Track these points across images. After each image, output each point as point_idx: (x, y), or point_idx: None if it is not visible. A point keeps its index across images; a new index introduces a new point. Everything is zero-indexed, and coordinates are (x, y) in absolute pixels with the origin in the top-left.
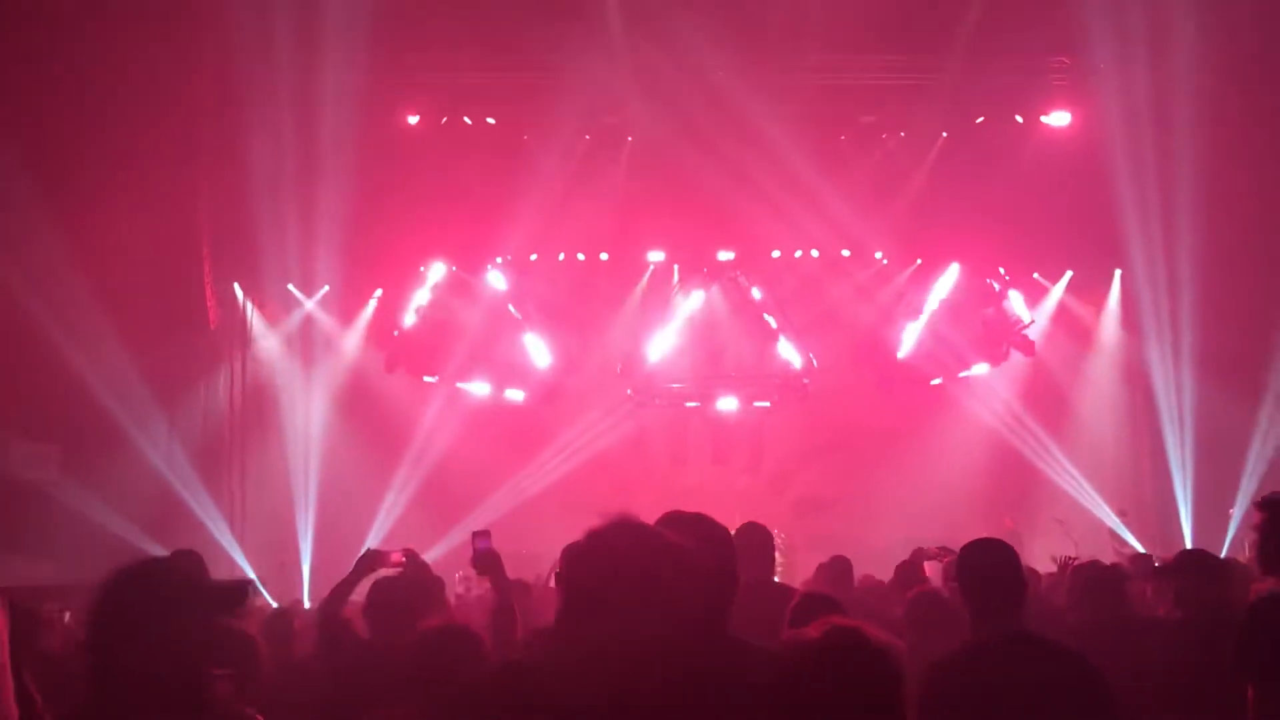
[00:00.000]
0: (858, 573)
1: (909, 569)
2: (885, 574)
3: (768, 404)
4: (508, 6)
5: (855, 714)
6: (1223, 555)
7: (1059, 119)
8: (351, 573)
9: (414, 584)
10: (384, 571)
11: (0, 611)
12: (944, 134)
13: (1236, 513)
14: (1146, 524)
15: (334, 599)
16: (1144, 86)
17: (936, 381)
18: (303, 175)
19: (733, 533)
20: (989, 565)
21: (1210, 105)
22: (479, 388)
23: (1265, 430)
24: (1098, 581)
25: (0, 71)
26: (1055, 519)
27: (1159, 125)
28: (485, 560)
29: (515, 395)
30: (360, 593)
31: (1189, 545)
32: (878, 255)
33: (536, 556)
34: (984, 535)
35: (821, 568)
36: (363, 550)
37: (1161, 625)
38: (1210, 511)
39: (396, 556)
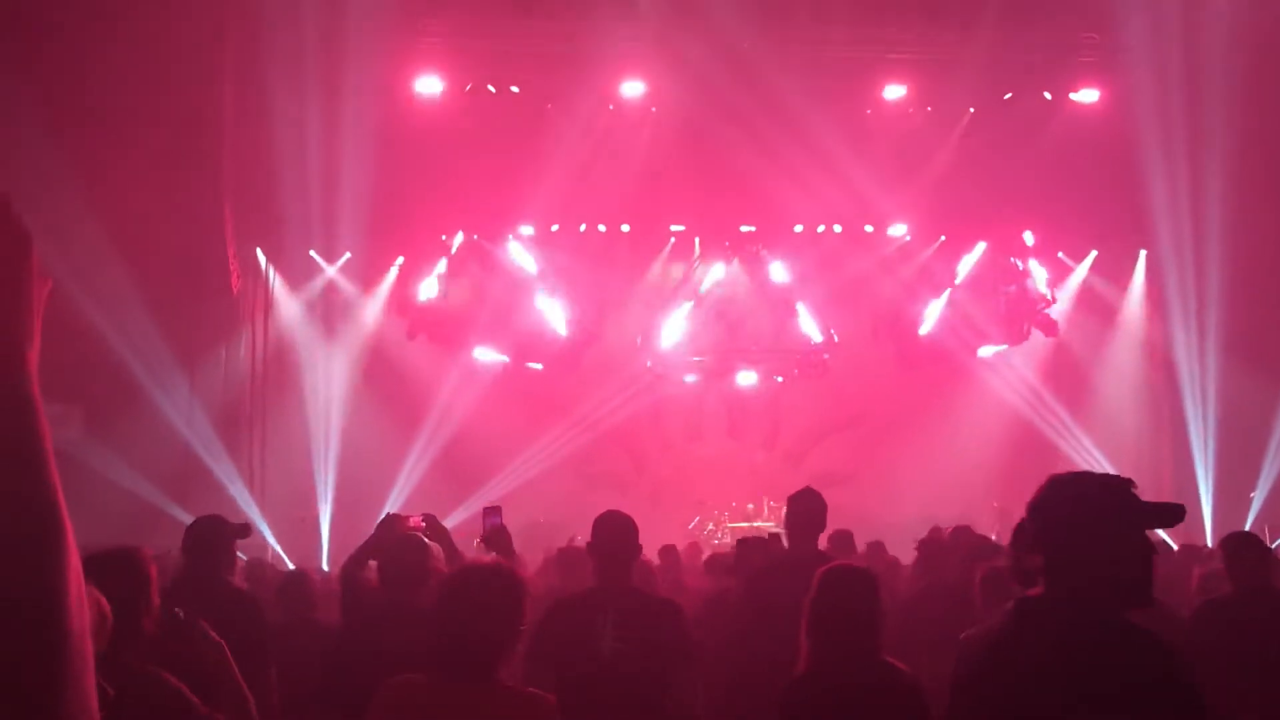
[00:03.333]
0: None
1: (931, 546)
2: (899, 550)
3: (783, 379)
4: None
5: None
6: None
7: (1088, 96)
8: (372, 536)
9: (424, 547)
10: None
11: None
12: (971, 109)
13: (1257, 496)
14: None
15: (354, 562)
16: (1175, 65)
17: (971, 355)
18: (326, 142)
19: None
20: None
21: (1240, 84)
22: (499, 357)
23: None
24: None
25: (26, 37)
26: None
27: (1188, 104)
28: (495, 536)
29: (535, 365)
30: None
31: (1208, 529)
32: (901, 231)
33: (553, 526)
34: (977, 515)
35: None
36: (382, 515)
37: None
38: (1231, 495)
39: (416, 521)
